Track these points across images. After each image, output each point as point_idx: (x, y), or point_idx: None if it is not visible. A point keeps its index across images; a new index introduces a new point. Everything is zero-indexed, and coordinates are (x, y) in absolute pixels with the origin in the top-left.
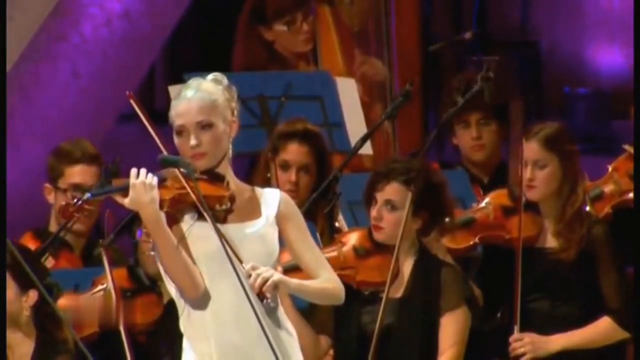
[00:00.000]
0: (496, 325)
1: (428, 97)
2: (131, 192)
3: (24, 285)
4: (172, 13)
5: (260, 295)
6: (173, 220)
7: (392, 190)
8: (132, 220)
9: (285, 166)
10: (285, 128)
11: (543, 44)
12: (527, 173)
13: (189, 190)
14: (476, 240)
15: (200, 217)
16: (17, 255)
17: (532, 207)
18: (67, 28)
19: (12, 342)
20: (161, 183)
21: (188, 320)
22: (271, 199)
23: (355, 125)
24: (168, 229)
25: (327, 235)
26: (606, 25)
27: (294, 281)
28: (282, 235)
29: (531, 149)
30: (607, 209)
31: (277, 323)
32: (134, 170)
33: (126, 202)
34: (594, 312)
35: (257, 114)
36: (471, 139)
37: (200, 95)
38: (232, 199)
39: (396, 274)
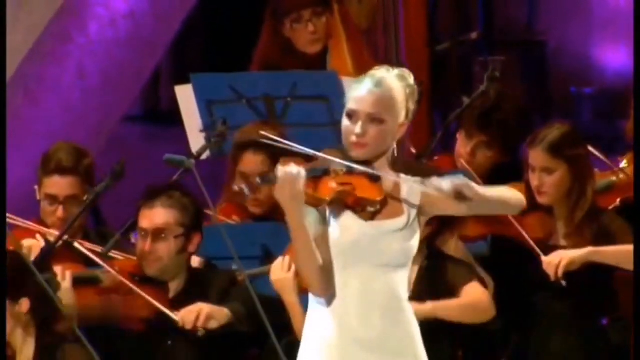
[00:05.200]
0: (502, 325)
1: (435, 97)
2: (276, 187)
3: (13, 294)
4: (177, 13)
5: None
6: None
7: None
8: (132, 225)
9: (245, 177)
10: (238, 138)
11: (549, 44)
12: (535, 180)
13: (350, 188)
14: (487, 233)
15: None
16: (21, 258)
17: (544, 207)
18: (72, 28)
19: (15, 347)
20: (325, 175)
21: (315, 305)
22: (412, 192)
23: None
24: (305, 229)
25: None
26: (613, 24)
27: (485, 192)
28: (435, 210)
29: (537, 156)
30: (617, 202)
31: (402, 319)
32: (280, 167)
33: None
34: (604, 312)
35: (263, 113)
36: (466, 154)
37: (381, 90)
38: (383, 203)
39: None
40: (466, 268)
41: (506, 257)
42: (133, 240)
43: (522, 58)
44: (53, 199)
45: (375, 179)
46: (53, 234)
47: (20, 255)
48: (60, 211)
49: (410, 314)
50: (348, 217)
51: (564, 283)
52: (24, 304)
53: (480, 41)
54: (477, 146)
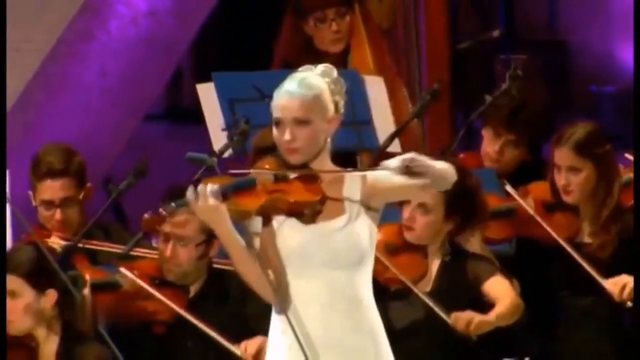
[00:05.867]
0: (527, 322)
1: (456, 96)
2: (193, 208)
3: (40, 286)
4: (198, 12)
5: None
6: (265, 221)
7: (425, 194)
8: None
9: None
10: (257, 143)
11: (571, 42)
12: (561, 179)
13: (280, 195)
14: (511, 235)
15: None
16: (44, 251)
17: (570, 206)
18: (94, 27)
19: (38, 340)
20: (250, 187)
21: (278, 311)
22: (353, 188)
23: (383, 123)
24: (236, 239)
25: None
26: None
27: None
28: (383, 198)
29: (563, 155)
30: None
31: (363, 320)
32: (190, 189)
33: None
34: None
35: None
36: (494, 152)
37: (302, 91)
38: (322, 202)
39: (424, 272)
40: (488, 263)
41: (531, 258)
42: (154, 244)
43: (543, 56)
44: (49, 203)
45: (311, 181)
46: (59, 242)
47: (43, 247)
48: (58, 214)
49: (373, 314)
50: (290, 223)
51: (630, 304)
52: (51, 296)
53: (501, 39)
54: (505, 145)
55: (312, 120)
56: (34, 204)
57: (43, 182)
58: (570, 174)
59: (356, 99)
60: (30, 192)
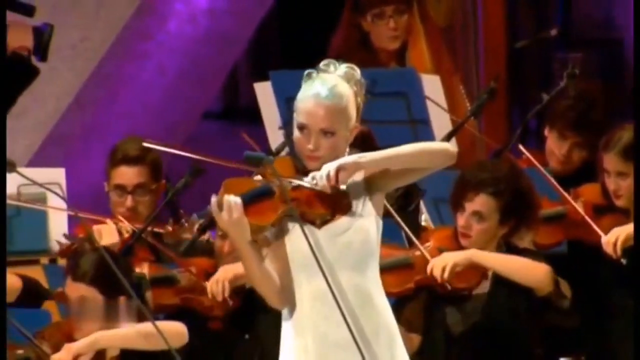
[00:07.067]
0: (579, 322)
1: (513, 94)
2: (217, 219)
3: (110, 292)
4: (256, 10)
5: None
6: (279, 228)
7: (480, 202)
8: (209, 224)
9: None
10: None
11: (627, 41)
12: (611, 184)
13: (295, 205)
14: (562, 239)
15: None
16: (107, 258)
17: (620, 209)
18: (152, 25)
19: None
20: (268, 195)
21: (288, 312)
22: (357, 189)
23: (440, 122)
24: (252, 250)
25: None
26: None
27: (371, 155)
28: (384, 184)
29: (611, 160)
30: None
31: (375, 319)
32: (213, 200)
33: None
34: None
35: None
36: (562, 155)
37: (331, 100)
38: (333, 214)
39: (481, 276)
40: (538, 256)
41: (584, 259)
42: (211, 239)
43: (600, 55)
44: (122, 189)
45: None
46: (126, 225)
47: (112, 251)
48: (129, 200)
49: (385, 313)
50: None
51: (624, 261)
52: (121, 302)
53: (559, 38)
54: (572, 147)
55: (337, 131)
56: (106, 189)
57: (118, 168)
58: (619, 178)
59: (413, 97)
60: (105, 183)
